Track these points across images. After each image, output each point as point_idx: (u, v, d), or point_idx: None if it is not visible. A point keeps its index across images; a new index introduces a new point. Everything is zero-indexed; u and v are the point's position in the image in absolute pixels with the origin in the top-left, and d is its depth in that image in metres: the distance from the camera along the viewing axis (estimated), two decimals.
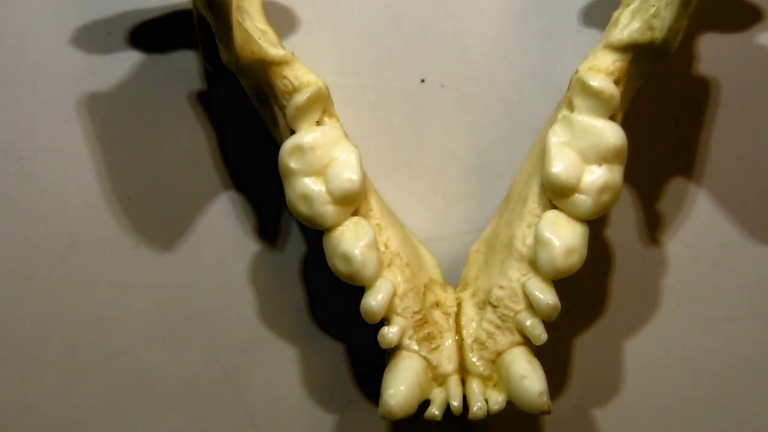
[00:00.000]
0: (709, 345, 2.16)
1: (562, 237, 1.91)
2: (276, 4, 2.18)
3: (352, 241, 2.03)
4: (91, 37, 2.18)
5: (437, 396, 2.01)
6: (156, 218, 2.21)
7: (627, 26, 1.98)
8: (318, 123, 1.99)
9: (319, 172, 2.01)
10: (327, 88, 1.99)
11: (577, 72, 1.97)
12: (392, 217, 2.16)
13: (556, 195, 1.94)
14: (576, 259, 1.93)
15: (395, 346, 2.01)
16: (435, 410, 2.01)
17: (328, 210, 2.03)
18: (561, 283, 1.97)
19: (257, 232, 2.24)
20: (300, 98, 1.99)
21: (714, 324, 2.16)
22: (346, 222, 2.04)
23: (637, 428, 2.02)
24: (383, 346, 2.00)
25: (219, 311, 2.22)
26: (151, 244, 2.21)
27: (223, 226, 2.23)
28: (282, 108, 1.98)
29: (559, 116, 1.97)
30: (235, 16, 1.89)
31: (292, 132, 2.00)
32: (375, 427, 2.19)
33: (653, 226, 2.13)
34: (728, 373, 2.16)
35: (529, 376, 1.91)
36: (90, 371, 2.18)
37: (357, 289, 2.00)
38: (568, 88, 1.98)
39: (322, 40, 2.21)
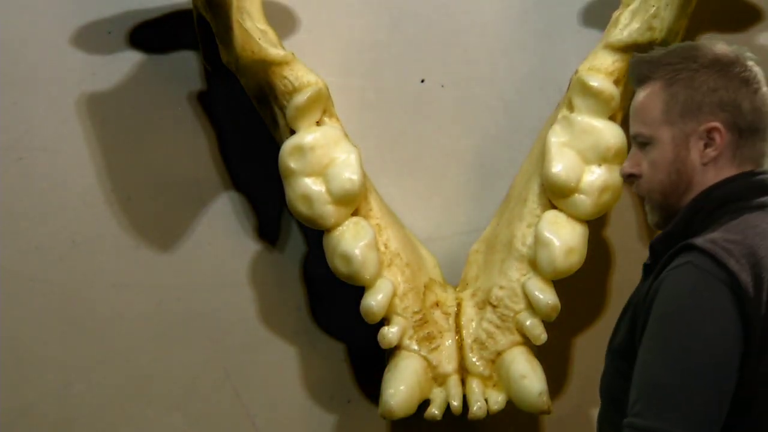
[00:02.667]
0: None
1: (562, 237, 1.91)
2: (276, 4, 2.17)
3: (352, 241, 2.02)
4: (91, 37, 2.17)
5: (437, 396, 2.01)
6: (156, 218, 2.20)
7: (627, 26, 1.98)
8: (318, 123, 1.99)
9: (319, 172, 2.00)
10: (327, 89, 1.98)
11: (577, 72, 1.96)
12: (392, 217, 2.16)
13: (556, 195, 1.93)
14: (576, 259, 1.93)
15: (395, 346, 2.01)
16: (435, 410, 2.00)
17: (328, 210, 2.03)
18: (561, 283, 1.97)
19: (257, 232, 2.23)
20: (300, 98, 1.98)
21: None
22: (346, 222, 2.04)
23: None
24: (383, 346, 2.00)
25: (219, 311, 2.21)
26: (151, 244, 2.21)
27: (223, 226, 2.22)
28: (282, 108, 1.98)
29: (559, 116, 1.96)
30: (235, 16, 1.89)
31: (293, 132, 1.99)
32: (375, 427, 2.18)
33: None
34: None
35: (529, 376, 1.91)
36: (90, 371, 2.17)
37: (357, 289, 2.00)
38: (568, 88, 1.98)
39: (322, 40, 2.20)
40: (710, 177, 1.37)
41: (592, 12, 2.16)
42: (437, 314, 2.02)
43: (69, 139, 2.11)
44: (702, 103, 1.36)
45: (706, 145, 1.36)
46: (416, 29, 2.16)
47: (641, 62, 1.41)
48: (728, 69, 1.36)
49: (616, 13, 1.99)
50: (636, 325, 1.32)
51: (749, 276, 1.27)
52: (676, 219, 1.37)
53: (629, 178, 1.39)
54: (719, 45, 1.40)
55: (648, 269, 1.40)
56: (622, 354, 1.35)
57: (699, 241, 1.30)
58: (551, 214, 1.95)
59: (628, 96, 2.03)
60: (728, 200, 1.37)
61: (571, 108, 1.96)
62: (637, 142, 1.38)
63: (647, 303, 1.30)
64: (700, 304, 1.27)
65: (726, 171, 1.37)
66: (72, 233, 2.12)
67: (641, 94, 1.40)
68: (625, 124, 2.01)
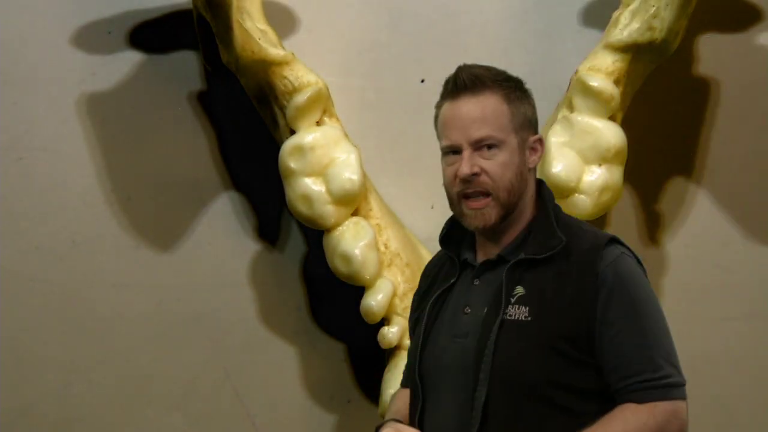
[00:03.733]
0: (709, 345, 2.15)
1: None
2: (276, 4, 2.17)
3: (352, 241, 2.03)
4: (91, 37, 2.18)
5: None
6: (156, 218, 2.21)
7: (627, 26, 1.98)
8: (318, 123, 1.99)
9: (319, 172, 2.00)
10: (327, 89, 1.99)
11: (577, 72, 1.96)
12: (392, 217, 2.16)
13: (556, 195, 1.93)
14: None
15: (395, 346, 2.01)
16: None
17: (328, 210, 2.03)
18: None
19: (257, 232, 2.23)
20: (300, 98, 1.98)
21: (714, 324, 2.16)
22: (346, 222, 2.04)
23: None
24: (383, 346, 2.00)
25: (219, 311, 2.21)
26: (151, 244, 2.21)
27: (223, 226, 2.22)
28: (282, 108, 1.98)
29: (559, 116, 1.96)
30: (235, 16, 1.89)
31: (293, 132, 2.00)
32: (375, 427, 2.18)
33: (653, 226, 2.13)
34: (728, 372, 2.15)
35: None
36: (90, 371, 2.18)
37: (357, 289, 2.00)
38: (568, 88, 1.98)
39: (322, 40, 2.20)
40: (531, 180, 1.61)
41: (592, 12, 2.16)
42: None
43: (69, 139, 2.12)
44: (531, 119, 1.61)
45: (530, 154, 1.59)
46: (416, 29, 2.16)
47: (472, 72, 1.55)
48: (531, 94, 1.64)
49: (616, 13, 1.99)
50: (585, 310, 1.48)
51: None
52: (545, 222, 1.58)
53: (472, 177, 1.51)
54: None
55: (488, 266, 1.55)
56: (565, 338, 1.47)
57: (614, 236, 1.55)
58: None
59: (628, 96, 2.03)
60: (554, 199, 1.65)
61: (571, 108, 1.96)
62: (481, 145, 1.51)
63: (595, 290, 1.50)
64: (649, 286, 1.54)
65: (532, 178, 1.61)
66: (72, 233, 2.12)
67: (481, 103, 1.54)
68: (625, 124, 2.02)
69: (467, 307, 1.51)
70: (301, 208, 1.94)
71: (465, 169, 1.51)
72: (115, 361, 2.13)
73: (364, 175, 1.97)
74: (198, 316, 2.14)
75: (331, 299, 2.13)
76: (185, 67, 2.12)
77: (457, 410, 1.46)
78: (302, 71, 1.95)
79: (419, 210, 2.16)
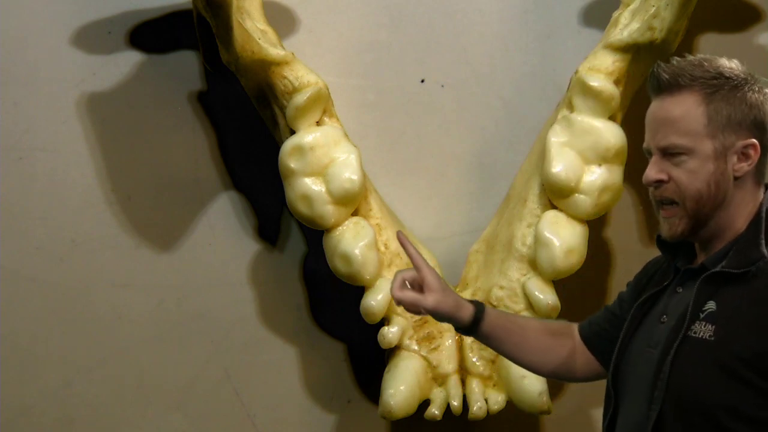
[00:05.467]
0: None
1: (562, 237, 1.91)
2: (276, 4, 2.17)
3: (352, 241, 2.03)
4: (91, 37, 2.18)
5: (437, 396, 2.01)
6: (156, 218, 2.21)
7: (627, 26, 1.98)
8: (318, 123, 1.99)
9: (319, 172, 2.00)
10: (327, 89, 1.99)
11: (577, 72, 1.96)
12: (392, 217, 2.16)
13: (556, 195, 1.94)
14: (576, 259, 1.93)
15: (395, 346, 2.01)
16: (435, 410, 2.00)
17: (328, 210, 2.03)
18: (561, 283, 1.97)
19: (257, 232, 2.24)
20: (300, 98, 1.98)
21: None
22: (346, 222, 2.04)
23: None
24: (383, 346, 2.00)
25: (219, 311, 2.21)
26: (151, 244, 2.21)
27: (223, 226, 2.22)
28: (282, 108, 1.98)
29: (559, 116, 1.96)
30: (235, 16, 1.89)
31: (293, 132, 2.00)
32: (375, 427, 2.18)
33: (653, 226, 2.12)
34: None
35: (529, 376, 1.91)
36: (90, 371, 2.18)
37: (357, 289, 2.00)
38: (568, 88, 1.98)
39: (322, 40, 2.20)
40: (740, 191, 1.45)
41: (592, 12, 2.16)
42: None
43: (69, 139, 2.12)
44: (741, 120, 1.44)
45: (739, 160, 1.44)
46: (416, 29, 2.16)
47: (671, 70, 1.43)
48: (758, 88, 1.46)
49: (616, 13, 1.99)
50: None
51: None
52: (753, 234, 1.43)
53: (656, 184, 1.41)
54: (734, 62, 1.46)
55: (690, 274, 1.44)
56: (748, 363, 1.37)
57: None
58: (551, 214, 1.95)
59: (628, 96, 2.03)
60: None
61: (571, 108, 1.96)
62: (668, 152, 1.41)
63: None
64: None
65: (749, 186, 1.46)
66: (72, 233, 2.12)
67: (674, 105, 1.43)
68: (625, 125, 2.02)
69: (664, 316, 1.43)
70: (301, 208, 1.94)
71: (650, 174, 1.41)
72: (115, 361, 2.13)
73: (364, 175, 1.97)
74: (198, 316, 2.14)
75: (331, 299, 2.13)
76: (185, 67, 2.12)
77: (637, 424, 1.40)
78: (302, 71, 1.95)
79: (419, 210, 2.16)
